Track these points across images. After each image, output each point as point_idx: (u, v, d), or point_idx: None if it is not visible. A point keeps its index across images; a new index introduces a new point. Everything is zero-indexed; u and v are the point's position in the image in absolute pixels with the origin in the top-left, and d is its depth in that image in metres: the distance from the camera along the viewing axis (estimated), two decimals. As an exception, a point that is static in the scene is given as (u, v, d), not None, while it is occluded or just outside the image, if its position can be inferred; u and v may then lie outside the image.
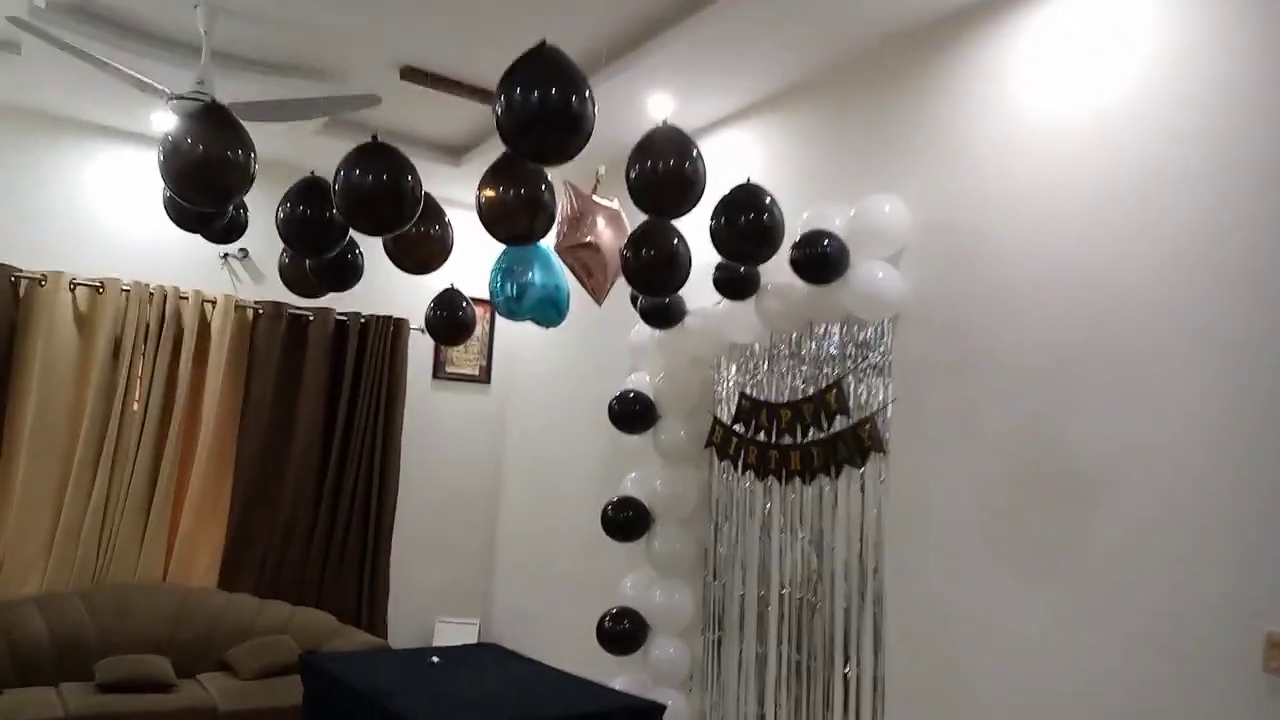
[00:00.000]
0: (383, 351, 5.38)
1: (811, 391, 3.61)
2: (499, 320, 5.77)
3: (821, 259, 3.25)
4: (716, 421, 4.05)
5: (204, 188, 2.78)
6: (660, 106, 4.00)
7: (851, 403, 3.44)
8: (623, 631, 4.00)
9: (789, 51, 3.59)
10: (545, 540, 5.33)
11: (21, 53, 3.96)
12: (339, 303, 5.04)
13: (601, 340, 4.85)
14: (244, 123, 2.83)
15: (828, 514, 3.51)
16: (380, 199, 2.70)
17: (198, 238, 3.62)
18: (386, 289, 5.17)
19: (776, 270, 3.44)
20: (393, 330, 5.42)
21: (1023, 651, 2.82)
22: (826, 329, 3.59)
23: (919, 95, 3.35)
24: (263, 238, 3.69)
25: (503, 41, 2.98)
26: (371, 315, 5.36)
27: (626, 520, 4.08)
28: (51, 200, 4.74)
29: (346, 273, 3.43)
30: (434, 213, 3.21)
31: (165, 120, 3.91)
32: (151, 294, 4.82)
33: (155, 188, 3.49)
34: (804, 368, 3.67)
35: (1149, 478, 2.54)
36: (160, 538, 4.79)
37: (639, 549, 4.14)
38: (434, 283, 4.05)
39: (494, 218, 2.86)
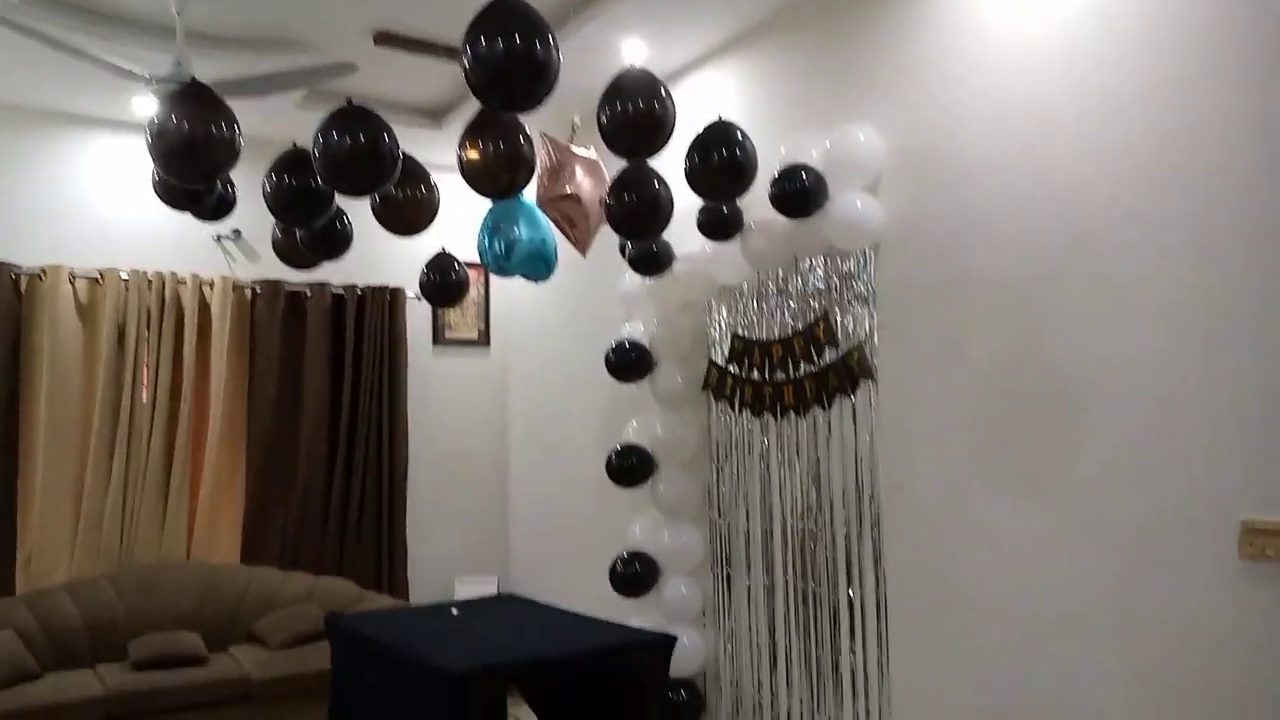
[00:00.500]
0: (381, 321, 5.45)
1: (801, 326, 3.67)
2: (495, 282, 5.82)
3: (800, 193, 3.29)
4: (711, 364, 4.12)
5: (193, 165, 2.83)
6: (634, 52, 4.00)
7: (840, 334, 3.51)
8: (634, 574, 4.11)
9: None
10: (555, 493, 5.43)
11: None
12: (335, 275, 5.09)
13: (595, 293, 4.90)
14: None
15: (823, 445, 3.59)
16: (359, 160, 2.75)
17: (190, 222, 3.67)
18: (381, 261, 5.24)
19: (759, 208, 3.48)
20: (389, 300, 5.48)
21: (1017, 565, 2.90)
22: (811, 263, 3.64)
23: (885, 20, 3.36)
24: (253, 217, 3.74)
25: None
26: (368, 287, 5.42)
27: (631, 467, 4.17)
28: (42, 195, 4.77)
29: (337, 240, 3.49)
30: (418, 174, 3.27)
31: (146, 105, 3.94)
32: (150, 281, 4.88)
33: (143, 174, 3.55)
34: (792, 303, 3.73)
35: (1130, 386, 2.60)
36: (180, 518, 4.90)
37: (645, 494, 4.23)
38: (426, 251, 4.11)
39: (476, 174, 2.93)
